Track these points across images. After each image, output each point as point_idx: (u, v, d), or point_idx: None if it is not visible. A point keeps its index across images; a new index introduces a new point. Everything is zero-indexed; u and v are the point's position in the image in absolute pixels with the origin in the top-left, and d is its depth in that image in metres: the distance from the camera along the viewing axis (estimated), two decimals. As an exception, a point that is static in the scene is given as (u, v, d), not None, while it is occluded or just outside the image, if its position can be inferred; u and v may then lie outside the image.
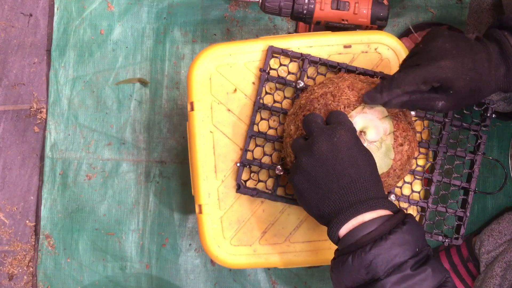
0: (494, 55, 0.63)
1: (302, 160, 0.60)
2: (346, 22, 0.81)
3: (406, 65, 0.66)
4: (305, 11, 0.80)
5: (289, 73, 0.76)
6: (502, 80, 0.64)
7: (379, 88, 0.64)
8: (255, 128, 0.75)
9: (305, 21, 0.82)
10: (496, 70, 0.63)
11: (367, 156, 0.60)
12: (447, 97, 0.63)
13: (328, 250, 0.75)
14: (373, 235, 0.54)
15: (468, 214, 0.75)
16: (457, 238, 0.75)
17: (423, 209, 0.75)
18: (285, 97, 0.76)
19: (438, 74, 0.61)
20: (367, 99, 0.65)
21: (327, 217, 0.58)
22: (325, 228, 0.75)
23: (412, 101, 0.64)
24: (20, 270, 1.09)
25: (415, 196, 0.75)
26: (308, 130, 0.62)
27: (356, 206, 0.56)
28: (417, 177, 0.75)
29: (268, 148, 0.75)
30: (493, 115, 0.76)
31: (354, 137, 0.60)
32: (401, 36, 1.07)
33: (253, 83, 0.76)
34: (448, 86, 0.62)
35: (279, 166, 0.74)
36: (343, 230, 0.57)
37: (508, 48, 0.63)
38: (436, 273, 0.53)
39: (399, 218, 0.56)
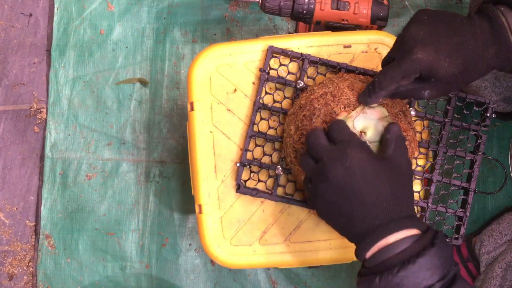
0: (482, 33, 0.59)
1: (320, 187, 0.59)
2: (346, 22, 0.81)
3: (385, 61, 0.65)
4: (305, 11, 0.80)
5: (289, 73, 0.76)
6: (493, 59, 0.59)
7: (367, 92, 0.64)
8: (255, 128, 0.75)
9: (305, 21, 0.82)
10: (485, 50, 0.59)
11: (385, 173, 0.58)
12: (431, 85, 0.61)
13: (328, 250, 0.75)
14: (401, 257, 0.54)
15: (468, 214, 0.75)
16: (457, 238, 0.75)
17: (423, 209, 0.75)
18: (285, 97, 0.76)
19: (412, 68, 0.59)
20: (362, 102, 0.66)
21: (355, 240, 0.58)
22: (324, 229, 0.75)
23: (400, 94, 0.63)
24: (20, 270, 1.09)
25: (415, 196, 0.75)
26: (315, 153, 0.61)
27: (379, 230, 0.55)
28: (417, 177, 0.75)
29: (268, 148, 0.75)
30: (493, 115, 0.76)
31: (366, 155, 0.59)
32: (401, 36, 1.07)
33: (253, 83, 0.76)
34: (427, 75, 0.60)
35: (279, 166, 0.74)
36: (370, 252, 0.56)
37: (499, 25, 0.58)
38: None
39: (428, 239, 0.55)
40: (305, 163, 0.62)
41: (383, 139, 0.63)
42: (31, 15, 1.12)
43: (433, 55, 0.59)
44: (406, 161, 0.61)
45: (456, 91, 0.61)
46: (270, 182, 0.75)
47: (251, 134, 0.74)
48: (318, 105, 0.68)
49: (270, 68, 0.75)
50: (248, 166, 0.75)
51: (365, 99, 0.65)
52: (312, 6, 0.80)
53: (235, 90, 0.76)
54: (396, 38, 0.64)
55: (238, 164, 0.74)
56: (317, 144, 0.61)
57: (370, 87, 0.64)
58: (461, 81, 0.61)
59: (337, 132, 0.62)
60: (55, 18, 1.11)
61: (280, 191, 0.75)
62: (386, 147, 0.61)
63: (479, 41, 0.59)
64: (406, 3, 1.09)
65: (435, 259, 0.53)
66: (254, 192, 0.74)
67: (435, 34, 0.60)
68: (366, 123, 0.66)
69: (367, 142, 0.66)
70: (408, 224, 0.56)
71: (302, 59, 0.75)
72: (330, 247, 0.75)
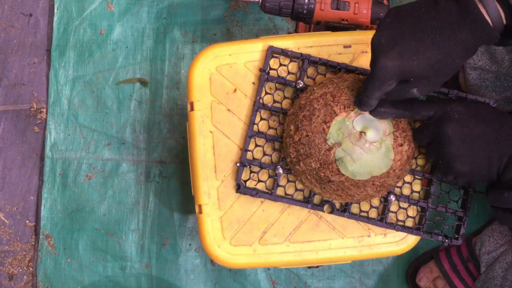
0: (448, 18, 0.56)
1: (453, 133, 0.64)
2: (346, 22, 0.81)
3: (370, 66, 0.65)
4: (305, 11, 0.80)
5: (289, 73, 0.76)
6: (471, 39, 0.56)
7: (358, 101, 0.66)
8: (255, 128, 0.75)
9: (305, 21, 0.82)
10: (454, 35, 0.56)
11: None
12: (414, 83, 0.60)
13: (328, 250, 0.75)
14: None
15: (468, 214, 0.75)
16: (457, 238, 0.75)
17: (423, 209, 0.75)
18: (285, 97, 0.75)
19: (383, 76, 0.59)
20: (358, 108, 0.67)
21: (495, 171, 0.65)
22: (324, 229, 0.75)
23: (392, 96, 0.63)
24: (20, 270, 1.09)
25: (415, 196, 0.75)
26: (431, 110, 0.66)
27: None
28: (417, 177, 0.75)
29: (268, 148, 0.75)
30: (493, 115, 0.76)
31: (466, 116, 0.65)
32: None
33: (253, 83, 0.76)
34: (404, 77, 0.60)
35: (279, 166, 0.74)
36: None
37: (466, 3, 0.55)
38: None
39: None
40: (421, 133, 0.67)
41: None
42: (31, 15, 1.12)
43: (398, 58, 0.58)
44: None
45: (446, 78, 0.61)
46: (270, 182, 0.75)
47: (251, 134, 0.74)
48: (318, 105, 0.68)
49: (270, 68, 0.75)
50: (248, 166, 0.75)
51: (358, 106, 0.66)
52: (312, 6, 0.80)
53: (235, 90, 0.76)
54: None
55: (238, 164, 0.74)
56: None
57: (360, 96, 0.65)
58: (442, 71, 0.59)
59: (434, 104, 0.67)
60: (55, 18, 1.11)
61: (280, 191, 0.75)
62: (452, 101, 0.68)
63: (445, 29, 0.56)
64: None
65: None
66: (254, 192, 0.74)
67: (397, 36, 0.59)
68: (365, 123, 0.67)
69: (367, 142, 0.66)
70: None
71: (302, 59, 0.75)
72: (330, 247, 0.75)
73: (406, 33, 0.58)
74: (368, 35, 0.77)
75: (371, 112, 0.67)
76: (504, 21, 0.56)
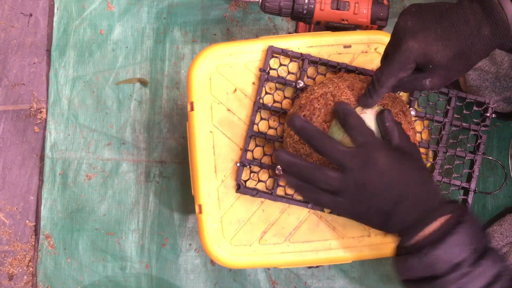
0: (473, 15, 0.59)
1: (352, 194, 0.60)
2: (346, 22, 0.81)
3: (383, 59, 0.66)
4: (305, 11, 0.80)
5: (289, 73, 0.76)
6: (489, 38, 0.59)
7: (368, 93, 0.65)
8: (255, 128, 0.75)
9: (305, 21, 0.82)
10: (478, 30, 0.59)
11: (407, 166, 0.61)
12: (430, 73, 0.61)
13: (328, 250, 0.75)
14: (431, 238, 0.57)
15: (468, 214, 0.75)
16: (457, 238, 0.75)
17: (423, 209, 0.75)
18: (285, 97, 0.76)
19: (406, 58, 0.60)
20: (363, 105, 0.66)
21: (392, 233, 0.62)
22: (324, 229, 0.75)
23: (402, 87, 0.64)
24: (20, 270, 1.09)
25: (415, 196, 0.75)
26: (336, 161, 0.60)
27: (416, 225, 0.58)
28: (417, 177, 0.75)
29: (268, 148, 0.75)
30: (493, 115, 0.76)
31: (389, 153, 0.61)
32: (401, 36, 1.07)
33: (253, 83, 0.76)
34: (423, 63, 0.60)
35: (279, 166, 0.74)
36: (409, 243, 0.60)
37: (491, 4, 0.58)
38: (494, 265, 0.56)
39: (455, 219, 0.58)
40: (323, 175, 0.60)
41: (381, 128, 0.64)
42: (31, 15, 1.12)
43: (424, 41, 0.59)
44: (413, 145, 0.65)
45: (458, 76, 0.62)
46: (270, 182, 0.75)
47: (251, 134, 0.74)
48: (318, 105, 0.68)
49: (270, 68, 0.75)
50: (248, 166, 0.75)
51: (365, 101, 0.65)
52: (312, 6, 0.80)
53: (235, 90, 0.76)
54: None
55: (238, 164, 0.74)
56: (336, 150, 0.61)
57: (370, 86, 0.64)
58: (459, 65, 0.61)
59: (358, 132, 0.62)
60: (55, 18, 1.11)
61: (280, 191, 0.75)
62: (392, 136, 0.63)
63: (470, 23, 0.59)
64: (406, 3, 1.09)
65: (464, 236, 0.56)
66: (254, 192, 0.74)
67: (423, 22, 0.60)
68: (366, 122, 0.67)
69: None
70: (441, 211, 0.58)
71: (302, 59, 0.75)
72: (330, 247, 0.75)
73: (432, 21, 0.60)
74: (368, 35, 0.77)
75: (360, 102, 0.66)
76: None
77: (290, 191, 0.75)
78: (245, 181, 0.75)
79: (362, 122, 0.63)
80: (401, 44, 0.60)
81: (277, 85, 0.76)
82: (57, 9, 1.11)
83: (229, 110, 0.76)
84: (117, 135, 1.09)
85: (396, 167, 0.60)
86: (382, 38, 0.76)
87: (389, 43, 0.64)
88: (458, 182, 0.76)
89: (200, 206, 0.75)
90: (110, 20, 1.11)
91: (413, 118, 0.75)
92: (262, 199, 0.75)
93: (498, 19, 0.58)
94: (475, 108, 0.76)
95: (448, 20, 0.60)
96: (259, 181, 0.75)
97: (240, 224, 0.75)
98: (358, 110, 0.66)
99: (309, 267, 1.05)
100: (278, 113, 0.75)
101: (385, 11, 0.80)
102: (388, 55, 0.63)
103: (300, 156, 0.67)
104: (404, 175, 0.60)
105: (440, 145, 0.75)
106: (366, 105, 0.65)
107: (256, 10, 1.10)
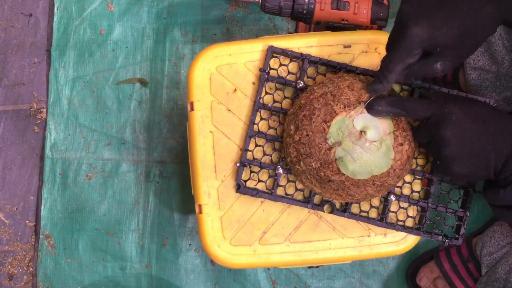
0: None
1: (447, 138, 0.64)
2: (346, 22, 0.81)
3: (388, 45, 0.66)
4: (305, 11, 0.80)
5: (289, 73, 0.76)
6: (494, 14, 0.59)
7: (377, 79, 0.64)
8: (255, 128, 0.75)
9: (305, 21, 0.82)
10: (482, 7, 0.59)
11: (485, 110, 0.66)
12: (439, 56, 0.61)
13: (328, 250, 0.75)
14: None
15: (468, 214, 0.75)
16: (457, 238, 0.75)
17: (423, 209, 0.75)
18: (285, 97, 0.75)
19: (412, 43, 0.60)
20: (372, 92, 0.66)
21: (491, 173, 0.65)
22: (324, 229, 0.75)
23: (413, 75, 0.64)
24: (20, 270, 1.09)
25: (415, 196, 0.75)
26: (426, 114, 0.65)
27: (505, 166, 0.63)
28: (417, 177, 0.75)
29: (268, 148, 0.75)
30: (493, 115, 0.76)
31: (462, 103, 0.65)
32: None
33: (253, 83, 0.76)
34: (430, 47, 0.61)
35: (279, 166, 0.74)
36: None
37: None
38: None
39: None
40: (420, 133, 0.67)
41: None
42: (31, 15, 1.12)
43: (428, 26, 0.60)
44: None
45: (467, 56, 0.63)
46: (270, 182, 0.75)
47: (251, 134, 0.74)
48: (318, 105, 0.68)
49: (270, 68, 0.75)
50: (248, 166, 0.75)
51: (375, 87, 0.65)
52: (312, 6, 0.80)
53: (235, 90, 0.76)
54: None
55: (238, 164, 0.74)
56: (419, 106, 0.65)
57: (379, 73, 0.64)
58: (467, 43, 0.61)
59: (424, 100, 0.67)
60: (55, 18, 1.11)
61: (280, 191, 0.75)
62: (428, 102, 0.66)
63: (473, 2, 0.59)
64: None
65: None
66: (254, 192, 0.74)
67: (426, 6, 0.61)
68: (366, 122, 0.67)
69: (368, 142, 0.66)
70: None
71: (302, 59, 0.75)
72: (330, 247, 0.75)
73: (434, 5, 0.60)
74: (368, 35, 0.77)
75: (368, 110, 0.66)
76: None
77: (290, 191, 0.75)
78: (245, 181, 0.75)
79: (414, 98, 0.69)
80: (405, 30, 0.60)
81: (277, 85, 0.76)
82: (57, 9, 1.11)
83: (229, 110, 0.76)
84: (117, 135, 1.09)
85: (473, 108, 0.65)
86: (382, 38, 0.76)
87: (393, 30, 0.64)
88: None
89: (200, 206, 0.75)
90: (110, 20, 1.11)
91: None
92: (262, 199, 0.75)
93: None
94: (475, 108, 0.76)
95: (451, 2, 0.60)
96: (259, 181, 0.75)
97: (240, 224, 0.75)
98: (358, 109, 0.66)
99: (309, 267, 1.05)
100: (278, 113, 0.75)
101: (385, 11, 0.80)
102: (394, 42, 0.62)
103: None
104: (479, 113, 0.65)
105: (440, 145, 0.75)
106: (375, 91, 0.65)
107: (256, 10, 1.10)
